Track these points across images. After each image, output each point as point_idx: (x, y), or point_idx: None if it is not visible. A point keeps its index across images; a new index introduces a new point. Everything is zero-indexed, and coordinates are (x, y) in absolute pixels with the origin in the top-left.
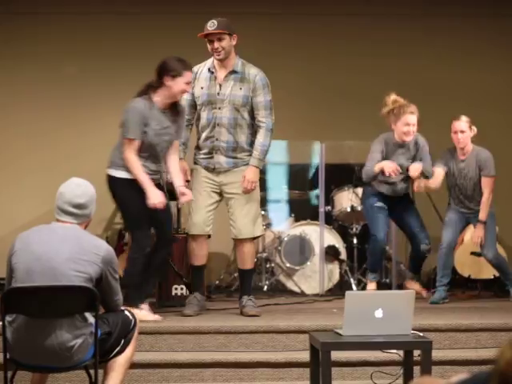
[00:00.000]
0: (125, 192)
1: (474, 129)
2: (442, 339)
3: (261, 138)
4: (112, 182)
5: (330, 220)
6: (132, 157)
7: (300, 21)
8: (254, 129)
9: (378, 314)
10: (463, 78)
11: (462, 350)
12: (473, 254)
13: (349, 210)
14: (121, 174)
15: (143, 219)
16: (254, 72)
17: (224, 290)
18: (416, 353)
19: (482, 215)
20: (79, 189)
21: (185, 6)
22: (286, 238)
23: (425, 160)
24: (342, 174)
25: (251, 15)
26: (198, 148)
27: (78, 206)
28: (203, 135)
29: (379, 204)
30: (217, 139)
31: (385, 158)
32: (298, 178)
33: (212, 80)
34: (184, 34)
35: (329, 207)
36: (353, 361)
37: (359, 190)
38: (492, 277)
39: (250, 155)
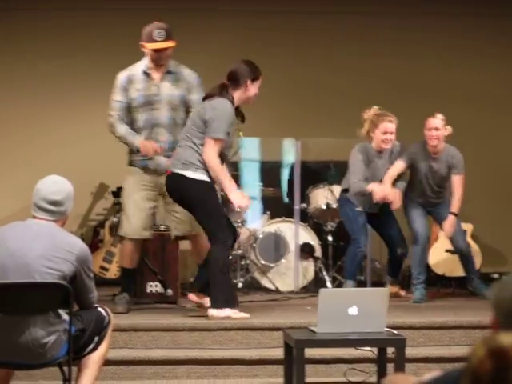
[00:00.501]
0: (209, 194)
1: (449, 128)
2: (415, 337)
3: None
4: (191, 184)
5: (305, 217)
6: (216, 158)
7: (275, 18)
8: None
9: (352, 311)
10: (440, 75)
11: (435, 348)
12: (447, 251)
13: (324, 207)
14: (201, 176)
15: (225, 220)
16: (187, 72)
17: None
18: (390, 350)
19: (455, 208)
20: (55, 186)
21: (170, 2)
22: (260, 236)
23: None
24: (317, 172)
25: (230, 13)
26: (132, 152)
27: (54, 203)
28: (141, 138)
29: (357, 209)
30: (156, 140)
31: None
32: (273, 175)
33: (148, 81)
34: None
35: (304, 205)
36: (327, 358)
37: (334, 188)
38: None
39: None
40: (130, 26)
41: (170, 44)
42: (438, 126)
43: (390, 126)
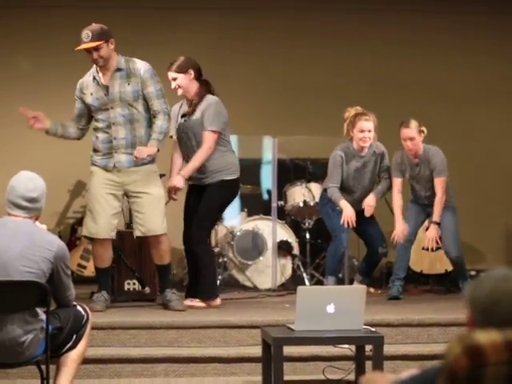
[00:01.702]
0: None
1: (424, 130)
2: (393, 334)
3: (159, 121)
4: (229, 184)
5: (282, 215)
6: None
7: (252, 15)
8: (151, 122)
9: (330, 309)
10: (420, 73)
11: (413, 345)
12: (424, 249)
13: (301, 205)
14: (232, 175)
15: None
16: (138, 66)
17: (176, 285)
18: (368, 348)
19: (436, 216)
20: (31, 182)
21: (146, 1)
22: (238, 233)
23: (385, 170)
24: (294, 169)
25: (204, 10)
26: (94, 150)
27: (31, 200)
28: (100, 137)
29: (337, 209)
30: (115, 138)
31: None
32: (251, 172)
33: (99, 84)
34: (143, 29)
35: (281, 202)
36: (305, 356)
37: (312, 185)
38: (444, 272)
39: None
40: (107, 24)
41: (91, 44)
42: (412, 135)
43: (366, 124)
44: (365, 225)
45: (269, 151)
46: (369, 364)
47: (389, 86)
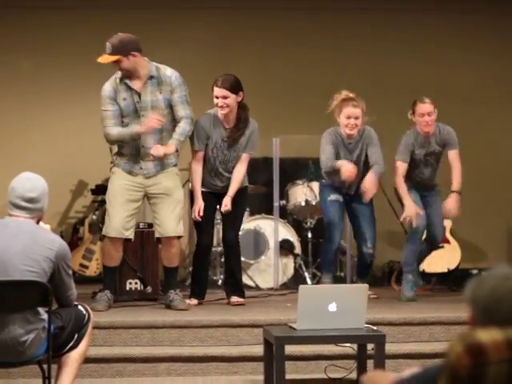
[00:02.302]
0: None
1: (436, 110)
2: (395, 333)
3: (182, 124)
4: (246, 190)
5: (284, 214)
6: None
7: (252, 15)
8: None
9: (332, 307)
10: (418, 71)
11: (415, 344)
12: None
13: (303, 204)
14: (246, 182)
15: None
16: (169, 73)
17: (178, 285)
18: (370, 346)
19: (456, 186)
20: (30, 183)
21: (145, 1)
22: (240, 232)
23: (375, 152)
24: (296, 169)
25: (204, 10)
26: (120, 154)
27: (30, 200)
28: (128, 144)
29: (333, 197)
30: (143, 146)
31: (335, 151)
32: (253, 172)
33: (131, 90)
34: (142, 29)
35: (283, 201)
36: (307, 355)
37: (314, 185)
38: (446, 270)
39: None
40: (107, 25)
41: (107, 59)
42: (430, 110)
43: (353, 110)
44: (358, 212)
45: (271, 151)
46: (370, 363)
47: (389, 84)
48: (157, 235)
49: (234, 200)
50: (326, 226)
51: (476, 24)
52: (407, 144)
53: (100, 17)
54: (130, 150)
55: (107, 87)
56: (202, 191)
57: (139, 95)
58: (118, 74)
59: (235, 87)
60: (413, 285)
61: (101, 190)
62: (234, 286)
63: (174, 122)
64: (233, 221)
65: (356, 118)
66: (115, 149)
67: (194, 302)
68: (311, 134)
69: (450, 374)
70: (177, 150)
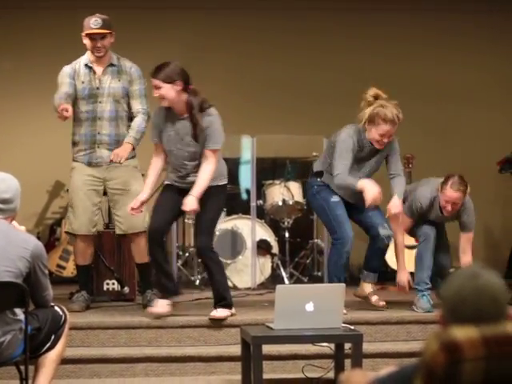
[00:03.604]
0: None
1: (468, 188)
2: (373, 332)
3: (138, 120)
4: (222, 190)
5: (261, 214)
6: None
7: (231, 15)
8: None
9: (309, 307)
10: (398, 70)
11: (392, 343)
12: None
13: (280, 203)
14: (224, 181)
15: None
16: (129, 64)
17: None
18: (347, 346)
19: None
20: (4, 183)
21: (121, 1)
22: (217, 233)
23: (396, 162)
24: (273, 168)
25: (181, 10)
26: (76, 144)
27: (4, 201)
28: (83, 130)
29: (335, 198)
30: (98, 133)
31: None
32: (230, 172)
33: (91, 75)
34: (126, 29)
35: (260, 201)
36: (284, 354)
37: (291, 184)
38: None
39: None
40: (81, 25)
41: (103, 31)
42: (458, 201)
43: (390, 129)
44: (363, 211)
45: (247, 150)
46: (348, 362)
47: (371, 83)
48: (119, 232)
49: (204, 201)
50: (334, 230)
51: (476, 24)
52: (419, 207)
53: (83, 17)
54: (85, 138)
55: (67, 68)
56: (169, 184)
57: (99, 81)
58: (82, 59)
59: (170, 76)
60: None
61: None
62: (217, 297)
63: (130, 112)
64: (201, 224)
65: (389, 137)
66: (73, 141)
67: (165, 303)
68: (288, 133)
69: (426, 372)
70: (133, 148)
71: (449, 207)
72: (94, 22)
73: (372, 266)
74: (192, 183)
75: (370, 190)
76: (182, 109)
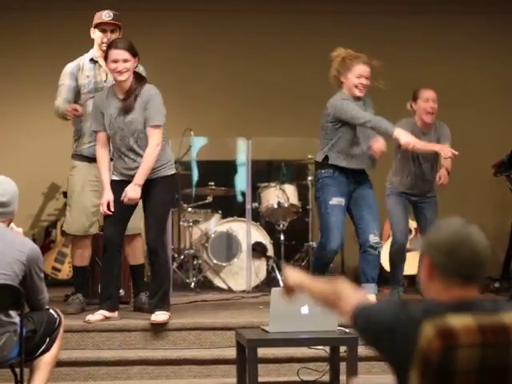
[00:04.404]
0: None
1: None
2: None
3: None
4: (172, 180)
5: (256, 217)
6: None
7: (225, 17)
8: None
9: (304, 310)
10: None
11: None
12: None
13: (276, 206)
14: (173, 170)
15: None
16: None
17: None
18: (342, 349)
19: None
20: (2, 187)
21: (118, 3)
22: (212, 235)
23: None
24: (268, 171)
25: (177, 12)
26: (80, 137)
27: (1, 205)
28: (88, 123)
29: (336, 201)
30: None
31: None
32: (225, 174)
33: (97, 69)
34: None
35: (255, 204)
36: (279, 357)
37: (286, 187)
38: (416, 273)
39: None
40: (81, 27)
41: (116, 22)
42: (435, 97)
43: (365, 68)
44: (358, 202)
45: (243, 153)
46: (343, 365)
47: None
48: None
49: (153, 193)
50: (324, 234)
51: (476, 26)
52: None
53: (73, 19)
54: (91, 130)
55: (71, 64)
56: (114, 180)
57: (106, 75)
58: (86, 55)
59: (134, 49)
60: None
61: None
62: (158, 298)
63: None
64: (151, 218)
65: (367, 78)
66: (76, 135)
67: (102, 314)
68: (283, 136)
69: (422, 360)
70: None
71: (431, 103)
72: (105, 14)
73: (369, 276)
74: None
75: (405, 137)
76: (127, 86)
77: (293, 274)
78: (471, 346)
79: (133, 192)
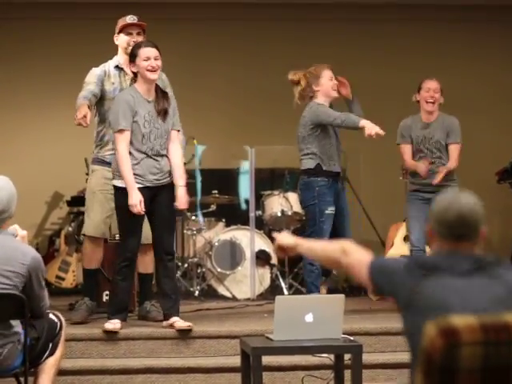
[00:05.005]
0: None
1: (442, 98)
2: (372, 343)
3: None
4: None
5: (260, 225)
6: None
7: (227, 26)
8: None
9: (309, 318)
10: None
11: (392, 354)
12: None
13: (279, 214)
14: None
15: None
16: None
17: (154, 295)
18: (347, 356)
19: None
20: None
21: (117, 11)
22: (216, 243)
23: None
24: (272, 179)
25: (179, 21)
26: (105, 144)
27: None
28: (111, 131)
29: (330, 210)
30: None
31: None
32: (228, 182)
33: (122, 76)
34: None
35: (259, 212)
36: (284, 365)
37: (289, 195)
38: None
39: None
40: (81, 35)
41: (142, 23)
42: (437, 87)
43: (330, 72)
44: (340, 207)
45: (246, 161)
46: (348, 373)
47: (368, 93)
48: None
49: (160, 196)
50: (316, 237)
51: (475, 34)
52: (404, 126)
53: (74, 28)
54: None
55: (96, 69)
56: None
57: (132, 81)
58: (110, 62)
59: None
60: None
61: (76, 201)
62: (176, 304)
63: None
64: (165, 222)
65: (336, 79)
66: (99, 141)
67: (117, 325)
68: (287, 144)
69: (425, 358)
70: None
71: (432, 93)
72: (129, 18)
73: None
74: (160, 175)
75: (372, 126)
76: (153, 86)
77: (286, 236)
78: (474, 344)
79: (185, 197)
